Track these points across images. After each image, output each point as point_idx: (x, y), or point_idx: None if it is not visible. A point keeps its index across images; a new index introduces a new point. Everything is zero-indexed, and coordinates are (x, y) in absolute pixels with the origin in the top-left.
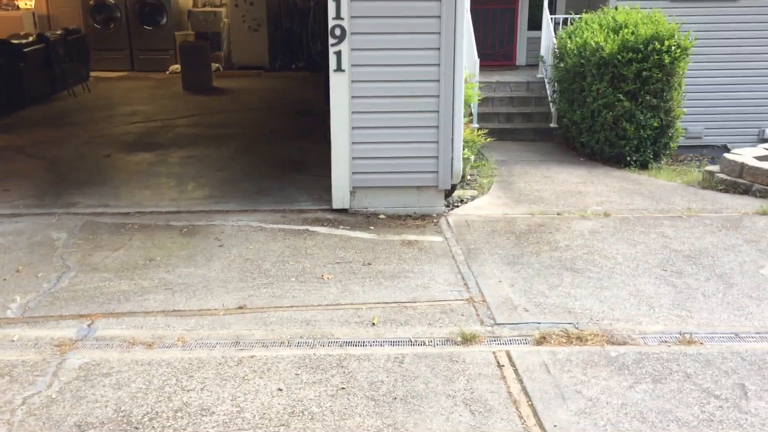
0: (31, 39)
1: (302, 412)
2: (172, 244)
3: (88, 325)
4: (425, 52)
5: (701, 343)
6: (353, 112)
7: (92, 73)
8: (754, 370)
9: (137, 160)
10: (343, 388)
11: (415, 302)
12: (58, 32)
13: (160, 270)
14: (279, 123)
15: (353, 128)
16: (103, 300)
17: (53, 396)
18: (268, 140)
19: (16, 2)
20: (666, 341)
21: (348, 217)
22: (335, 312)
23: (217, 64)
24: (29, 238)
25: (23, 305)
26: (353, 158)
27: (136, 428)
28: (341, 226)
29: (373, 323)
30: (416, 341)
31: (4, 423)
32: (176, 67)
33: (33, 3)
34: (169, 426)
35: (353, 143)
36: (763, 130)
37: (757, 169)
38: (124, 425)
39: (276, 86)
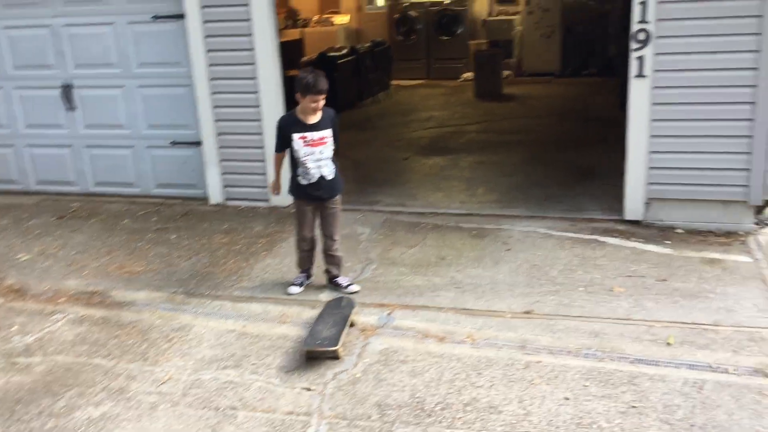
0: (344, 52)
1: (590, 424)
2: (462, 245)
3: (387, 314)
4: (740, 55)
5: None
6: (653, 120)
7: (393, 81)
8: None
9: (431, 163)
10: (634, 407)
11: (718, 326)
12: (367, 45)
13: (451, 269)
14: (568, 130)
15: (652, 136)
16: (400, 292)
17: (358, 375)
18: (557, 147)
19: (332, 19)
20: None
21: (640, 229)
22: (626, 327)
23: (507, 72)
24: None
25: None
26: (650, 168)
27: (429, 415)
28: (633, 238)
29: (668, 343)
30: (718, 368)
31: (318, 393)
32: (468, 74)
33: (347, 19)
34: (459, 418)
35: (651, 152)
36: None
37: None
38: (419, 411)
39: (566, 93)
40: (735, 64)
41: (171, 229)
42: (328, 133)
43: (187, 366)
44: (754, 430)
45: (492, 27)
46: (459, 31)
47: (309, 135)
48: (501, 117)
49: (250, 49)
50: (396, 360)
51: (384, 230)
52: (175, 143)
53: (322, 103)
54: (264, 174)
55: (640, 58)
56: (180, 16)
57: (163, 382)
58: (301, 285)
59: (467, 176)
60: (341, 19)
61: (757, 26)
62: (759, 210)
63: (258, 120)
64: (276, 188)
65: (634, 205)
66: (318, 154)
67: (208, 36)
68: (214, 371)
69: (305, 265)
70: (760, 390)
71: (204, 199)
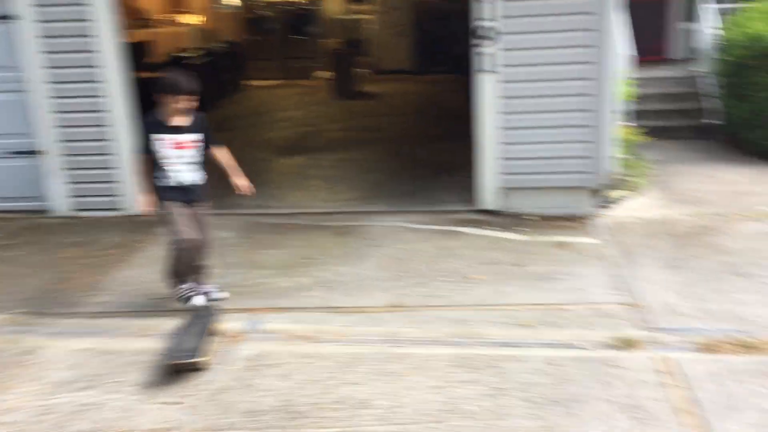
0: (195, 53)
1: (458, 409)
2: (327, 243)
3: (255, 319)
4: (578, 50)
5: None
6: (501, 113)
7: (248, 82)
8: None
9: (291, 163)
10: (498, 388)
11: (569, 305)
12: (220, 45)
13: (317, 268)
14: (424, 125)
15: (501, 129)
16: (267, 295)
17: (226, 384)
18: (414, 142)
19: (183, 19)
20: None
21: (496, 218)
22: (488, 312)
23: (363, 70)
24: None
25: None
26: (501, 159)
27: (301, 417)
28: (489, 227)
29: (527, 325)
30: (572, 344)
31: (184, 407)
32: (325, 73)
33: (199, 19)
34: (331, 417)
35: (501, 143)
36: None
37: None
38: (289, 414)
39: (420, 89)
40: (573, 58)
41: (13, 246)
42: (196, 137)
43: (38, 391)
44: (604, 399)
45: (346, 26)
46: (313, 30)
47: (173, 137)
48: (359, 115)
49: (92, 51)
50: (265, 364)
51: (247, 233)
52: (11, 153)
53: (190, 104)
54: (117, 182)
55: (486, 54)
56: (9, 17)
57: (10, 411)
58: (203, 293)
59: (328, 175)
60: (193, 19)
61: (590, 23)
62: (600, 194)
63: (106, 125)
64: (149, 203)
65: (487, 195)
66: (184, 158)
67: (45, 37)
68: (69, 394)
69: (191, 271)
70: (609, 362)
71: (49, 212)
